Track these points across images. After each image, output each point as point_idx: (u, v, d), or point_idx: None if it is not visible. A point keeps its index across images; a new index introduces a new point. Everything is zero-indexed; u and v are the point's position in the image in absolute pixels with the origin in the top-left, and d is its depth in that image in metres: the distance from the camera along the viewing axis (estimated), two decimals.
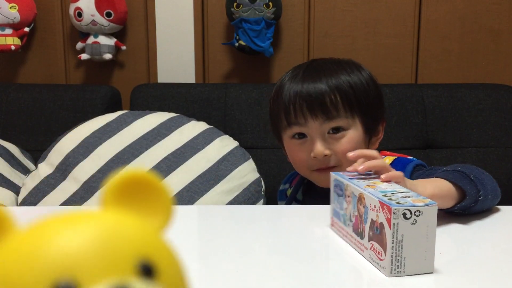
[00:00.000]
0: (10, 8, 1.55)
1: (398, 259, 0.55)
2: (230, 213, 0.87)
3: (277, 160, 1.40)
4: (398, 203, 0.55)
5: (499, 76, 1.58)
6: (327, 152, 0.88)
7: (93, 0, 1.52)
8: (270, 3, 1.48)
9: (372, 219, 0.58)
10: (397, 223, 0.54)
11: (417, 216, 0.54)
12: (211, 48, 1.61)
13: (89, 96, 1.47)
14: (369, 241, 0.59)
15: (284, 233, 0.73)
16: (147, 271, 0.26)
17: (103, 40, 1.56)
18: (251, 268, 0.59)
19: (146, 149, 1.29)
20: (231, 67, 1.63)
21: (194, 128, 1.34)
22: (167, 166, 1.26)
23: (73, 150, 1.30)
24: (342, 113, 0.89)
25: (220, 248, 0.66)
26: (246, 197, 1.26)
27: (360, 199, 0.61)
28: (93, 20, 1.53)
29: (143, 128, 1.32)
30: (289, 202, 1.02)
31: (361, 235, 0.61)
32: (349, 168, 0.70)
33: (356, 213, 0.62)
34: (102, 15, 1.52)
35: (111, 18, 1.53)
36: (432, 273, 0.56)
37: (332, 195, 0.71)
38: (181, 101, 1.44)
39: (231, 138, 1.37)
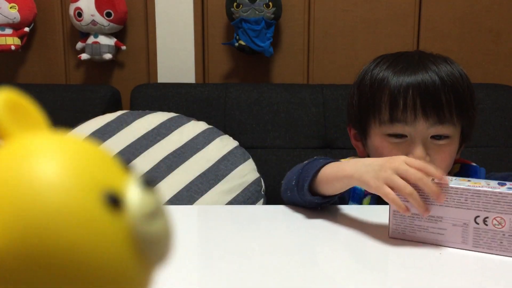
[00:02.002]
0: (10, 8, 1.55)
1: None
2: (230, 213, 0.87)
3: (277, 160, 1.40)
4: None
5: (499, 76, 1.58)
6: (427, 159, 0.81)
7: (93, 0, 1.52)
8: (270, 3, 1.48)
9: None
10: None
11: None
12: (211, 48, 1.61)
13: (89, 96, 1.47)
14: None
15: (284, 233, 0.73)
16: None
17: (103, 40, 1.56)
18: (251, 268, 0.59)
19: (146, 149, 1.29)
20: (231, 67, 1.63)
21: (194, 128, 1.34)
22: (167, 166, 1.26)
23: None
24: (454, 118, 0.82)
25: (220, 248, 0.66)
26: (246, 197, 1.26)
27: None
28: (93, 20, 1.53)
29: (143, 128, 1.32)
30: None
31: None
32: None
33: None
34: (102, 15, 1.53)
35: (111, 18, 1.53)
36: None
37: None
38: (181, 101, 1.44)
39: (231, 138, 1.37)
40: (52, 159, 0.25)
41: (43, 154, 0.25)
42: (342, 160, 0.96)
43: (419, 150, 0.81)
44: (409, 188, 0.61)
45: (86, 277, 0.24)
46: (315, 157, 0.84)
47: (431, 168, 0.63)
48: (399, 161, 0.64)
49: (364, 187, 0.71)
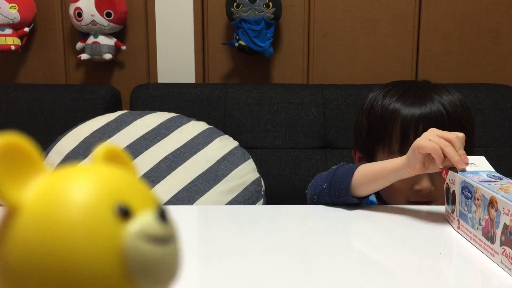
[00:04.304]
0: (10, 8, 1.55)
1: None
2: (230, 213, 0.87)
3: (277, 160, 1.40)
4: None
5: (499, 76, 1.58)
6: (432, 188, 0.85)
7: (93, 0, 1.52)
8: (270, 3, 1.48)
9: (505, 223, 0.56)
10: None
11: None
12: (211, 48, 1.61)
13: (89, 96, 1.47)
14: (500, 246, 0.57)
15: (284, 233, 0.73)
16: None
17: (103, 40, 1.56)
18: (251, 268, 0.59)
19: (146, 149, 1.29)
20: (231, 67, 1.63)
21: (194, 128, 1.34)
22: (167, 166, 1.26)
23: (73, 150, 1.30)
24: None
25: (220, 248, 0.66)
26: (246, 197, 1.26)
27: (492, 202, 0.60)
28: (93, 20, 1.53)
29: (143, 128, 1.32)
30: None
31: (491, 239, 0.59)
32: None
33: (487, 217, 0.61)
34: (102, 15, 1.53)
35: (111, 18, 1.53)
36: None
37: (458, 197, 0.69)
38: (181, 101, 1.44)
39: (231, 138, 1.37)
40: (75, 179, 0.28)
41: (67, 177, 0.29)
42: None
43: (425, 182, 0.85)
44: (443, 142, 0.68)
45: (75, 273, 0.25)
46: (342, 163, 0.88)
47: (456, 143, 0.69)
48: (431, 132, 0.70)
49: (413, 164, 0.72)
